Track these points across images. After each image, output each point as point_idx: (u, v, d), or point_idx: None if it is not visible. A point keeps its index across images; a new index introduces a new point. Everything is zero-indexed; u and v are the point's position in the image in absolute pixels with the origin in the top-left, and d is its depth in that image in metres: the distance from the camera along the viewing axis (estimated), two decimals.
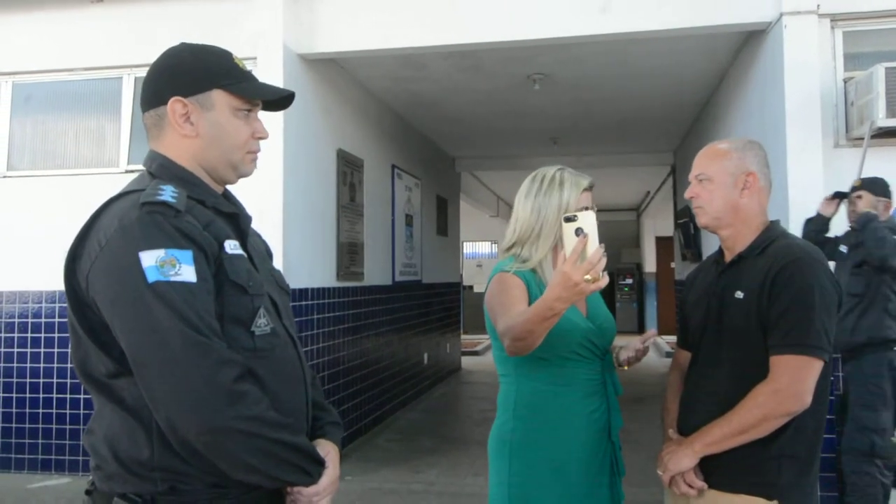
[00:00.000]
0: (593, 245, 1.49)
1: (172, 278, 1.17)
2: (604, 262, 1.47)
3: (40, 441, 4.72)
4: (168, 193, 1.23)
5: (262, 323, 1.29)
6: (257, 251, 1.44)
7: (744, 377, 1.70)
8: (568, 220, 1.55)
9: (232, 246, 1.29)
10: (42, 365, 4.74)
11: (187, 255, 1.19)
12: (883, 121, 3.58)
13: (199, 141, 1.34)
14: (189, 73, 1.34)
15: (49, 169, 4.91)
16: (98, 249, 1.20)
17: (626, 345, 2.00)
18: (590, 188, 1.94)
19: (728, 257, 1.86)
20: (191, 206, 1.27)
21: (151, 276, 1.16)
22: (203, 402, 1.14)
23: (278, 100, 1.44)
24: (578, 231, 1.52)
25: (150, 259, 1.16)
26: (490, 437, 1.99)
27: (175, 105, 1.32)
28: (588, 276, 1.46)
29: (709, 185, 1.82)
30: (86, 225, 1.25)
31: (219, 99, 1.34)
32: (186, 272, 1.18)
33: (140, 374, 1.17)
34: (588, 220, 1.53)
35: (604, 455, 1.91)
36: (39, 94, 4.96)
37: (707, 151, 1.88)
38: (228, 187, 1.46)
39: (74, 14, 4.81)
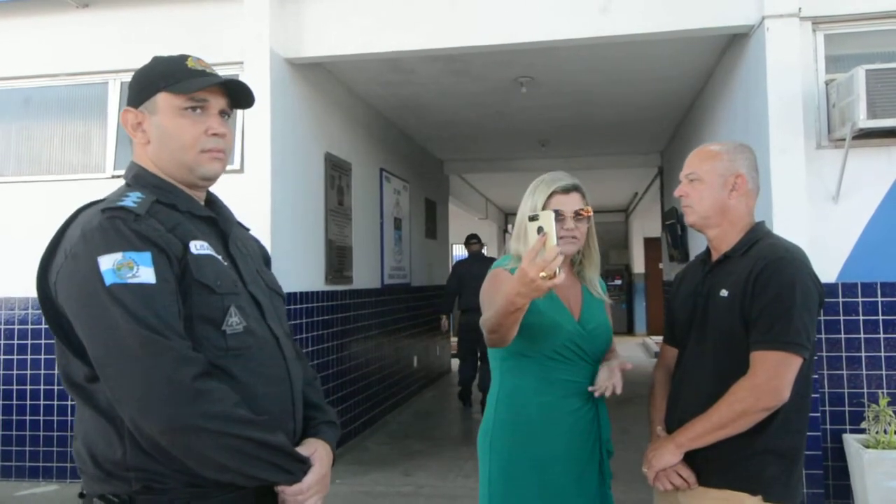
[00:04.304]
0: (551, 243, 1.55)
1: (129, 280, 1.19)
2: (559, 260, 1.54)
3: (28, 448, 4.68)
4: (130, 199, 1.26)
5: (234, 322, 1.30)
6: (244, 253, 1.44)
7: (728, 374, 1.73)
8: (532, 219, 1.63)
9: (198, 247, 1.30)
10: (29, 372, 4.71)
11: (145, 256, 1.21)
12: (864, 122, 3.61)
13: (151, 146, 1.36)
14: (138, 82, 1.37)
15: (35, 175, 4.88)
16: (64, 258, 1.24)
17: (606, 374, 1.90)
18: (566, 191, 1.95)
19: (714, 257, 1.90)
20: (156, 211, 1.28)
21: (108, 280, 1.18)
22: (163, 400, 1.16)
23: (244, 97, 1.42)
24: (540, 230, 1.58)
25: (107, 263, 1.19)
26: (478, 432, 2.02)
27: (126, 115, 1.37)
28: (543, 273, 1.52)
29: (698, 185, 1.86)
30: (55, 235, 1.29)
31: (162, 102, 1.34)
32: (145, 274, 1.20)
33: (103, 376, 1.20)
34: (547, 220, 1.59)
35: (590, 457, 1.92)
36: (25, 99, 4.92)
37: (699, 152, 1.92)
38: (214, 192, 1.47)
39: (60, 19, 4.78)
